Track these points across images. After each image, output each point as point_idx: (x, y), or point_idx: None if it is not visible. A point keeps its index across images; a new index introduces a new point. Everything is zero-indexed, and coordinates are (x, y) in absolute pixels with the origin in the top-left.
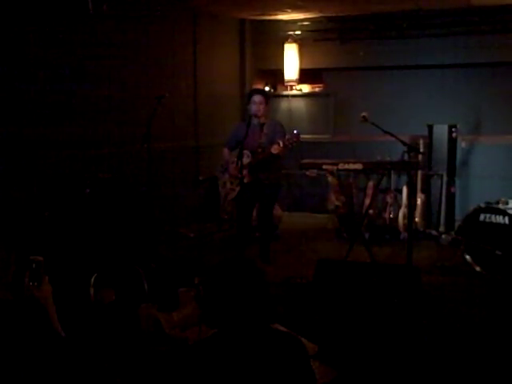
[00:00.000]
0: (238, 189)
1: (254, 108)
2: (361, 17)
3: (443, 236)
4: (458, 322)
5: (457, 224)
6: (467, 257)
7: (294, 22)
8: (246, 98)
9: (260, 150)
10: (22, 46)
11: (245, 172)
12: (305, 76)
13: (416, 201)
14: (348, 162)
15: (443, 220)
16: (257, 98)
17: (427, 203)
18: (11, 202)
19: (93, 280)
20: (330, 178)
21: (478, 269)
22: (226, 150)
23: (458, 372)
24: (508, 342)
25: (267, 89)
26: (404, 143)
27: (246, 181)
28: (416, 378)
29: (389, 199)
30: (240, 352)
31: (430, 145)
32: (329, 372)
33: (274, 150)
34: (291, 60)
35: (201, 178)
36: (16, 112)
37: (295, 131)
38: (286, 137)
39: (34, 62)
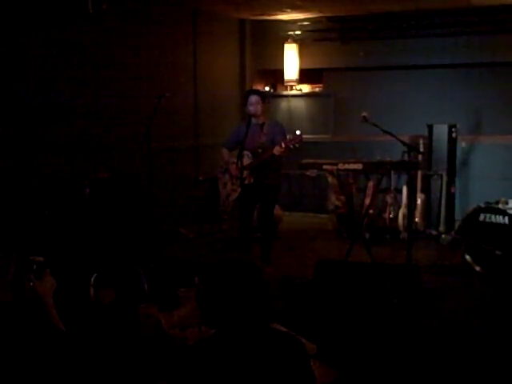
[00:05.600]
0: (239, 189)
1: (251, 108)
2: (361, 17)
3: (443, 236)
4: (458, 322)
5: (457, 224)
6: (467, 257)
7: (294, 22)
8: (243, 99)
9: (260, 150)
10: (22, 46)
11: (246, 173)
12: (305, 76)
13: (416, 201)
14: (348, 162)
15: (443, 220)
16: (253, 98)
17: (427, 203)
18: (11, 202)
19: (93, 280)
20: (329, 178)
21: (477, 269)
22: (224, 151)
23: (457, 372)
24: (508, 342)
25: (267, 89)
26: (404, 143)
27: (248, 182)
28: (416, 378)
29: (389, 199)
30: (240, 352)
31: (429, 145)
32: (329, 372)
33: (276, 151)
34: (291, 60)
35: (201, 178)
36: (16, 112)
37: (298, 132)
38: (288, 138)
39: (33, 61)
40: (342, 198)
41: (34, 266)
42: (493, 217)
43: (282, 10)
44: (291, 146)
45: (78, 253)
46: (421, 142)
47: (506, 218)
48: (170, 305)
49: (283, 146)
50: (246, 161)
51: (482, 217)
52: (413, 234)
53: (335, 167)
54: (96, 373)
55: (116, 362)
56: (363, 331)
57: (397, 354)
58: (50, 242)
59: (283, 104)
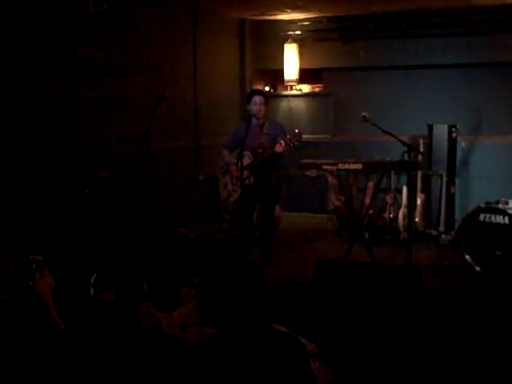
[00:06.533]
0: (240, 190)
1: (255, 108)
2: (361, 17)
3: (443, 236)
4: (458, 322)
5: (457, 224)
6: (467, 257)
7: (294, 22)
8: (246, 98)
9: (260, 150)
10: (22, 46)
11: (247, 173)
12: (305, 76)
13: (416, 201)
14: (348, 162)
15: (443, 220)
16: (258, 98)
17: (427, 203)
18: (11, 202)
19: (93, 280)
20: (330, 178)
21: (477, 269)
22: (225, 152)
23: (457, 372)
24: (508, 342)
25: (267, 89)
26: (404, 143)
27: (248, 182)
28: (416, 378)
29: (389, 199)
30: (240, 352)
31: (429, 145)
32: (329, 372)
33: (278, 148)
34: (291, 60)
35: (201, 178)
36: (16, 112)
37: (296, 130)
38: (288, 136)
39: (34, 61)
40: (342, 198)
41: (34, 266)
42: (493, 217)
43: (282, 10)
44: (291, 144)
45: (77, 253)
46: (421, 142)
47: (506, 218)
48: (170, 305)
49: (283, 144)
50: (246, 161)
51: (482, 217)
52: (413, 234)
53: (335, 167)
54: (95, 372)
55: (116, 361)
56: (363, 331)
57: (397, 354)
58: (50, 241)
59: (283, 104)
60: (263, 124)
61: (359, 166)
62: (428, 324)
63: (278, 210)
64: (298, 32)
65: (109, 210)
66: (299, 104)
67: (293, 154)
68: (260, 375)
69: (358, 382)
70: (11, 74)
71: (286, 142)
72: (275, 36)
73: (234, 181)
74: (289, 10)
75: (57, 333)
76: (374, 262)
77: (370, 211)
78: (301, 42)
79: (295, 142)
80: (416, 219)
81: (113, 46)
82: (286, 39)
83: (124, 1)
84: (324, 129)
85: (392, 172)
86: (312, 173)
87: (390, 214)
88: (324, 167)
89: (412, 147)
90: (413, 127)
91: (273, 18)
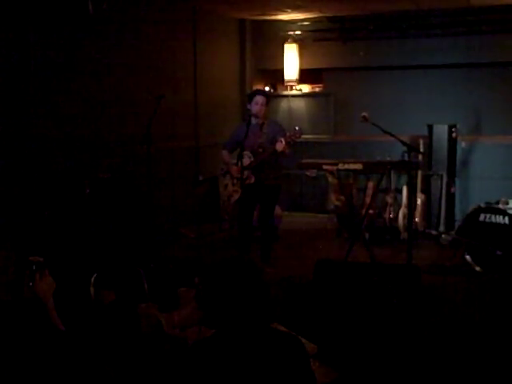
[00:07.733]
0: (241, 190)
1: (256, 108)
2: (361, 17)
3: (443, 236)
4: (458, 322)
5: (457, 224)
6: (467, 257)
7: (294, 22)
8: (247, 97)
9: (260, 150)
10: (22, 47)
11: (248, 173)
12: (305, 76)
13: (416, 201)
14: (348, 162)
15: (443, 220)
16: (260, 98)
17: (427, 203)
18: (11, 202)
19: (93, 280)
20: (330, 178)
21: (477, 269)
22: (224, 152)
23: (457, 372)
24: (508, 342)
25: (267, 89)
26: (404, 143)
27: (249, 181)
28: (416, 378)
29: (389, 199)
30: (240, 352)
31: (430, 145)
32: (329, 372)
33: (279, 146)
34: (291, 60)
35: (201, 178)
36: (16, 112)
37: (297, 128)
38: (288, 134)
39: (34, 62)
40: (342, 198)
41: (34, 266)
42: (493, 217)
43: (282, 10)
44: (291, 142)
45: (77, 253)
46: (421, 142)
47: (506, 218)
48: (170, 305)
49: (283, 141)
50: (247, 161)
51: (482, 217)
52: (413, 234)
53: (335, 167)
54: (95, 373)
55: (116, 361)
56: (363, 331)
57: (397, 354)
58: (50, 242)
59: (283, 104)
60: (263, 124)
61: (359, 166)
62: (428, 324)
63: (278, 210)
64: (298, 32)
65: (109, 210)
66: (299, 104)
67: (293, 152)
68: (260, 375)
69: (358, 382)
70: (11, 74)
71: (286, 140)
72: (275, 36)
73: (235, 181)
74: (289, 10)
75: (57, 333)
76: (373, 262)
77: (370, 211)
78: (301, 42)
79: (295, 140)
80: (416, 219)
81: (112, 46)
82: (286, 39)
83: (124, 1)
84: (324, 129)
85: (392, 172)
86: (312, 173)
87: (390, 214)
88: (324, 167)
89: (412, 147)
90: (413, 127)
91: (273, 17)
